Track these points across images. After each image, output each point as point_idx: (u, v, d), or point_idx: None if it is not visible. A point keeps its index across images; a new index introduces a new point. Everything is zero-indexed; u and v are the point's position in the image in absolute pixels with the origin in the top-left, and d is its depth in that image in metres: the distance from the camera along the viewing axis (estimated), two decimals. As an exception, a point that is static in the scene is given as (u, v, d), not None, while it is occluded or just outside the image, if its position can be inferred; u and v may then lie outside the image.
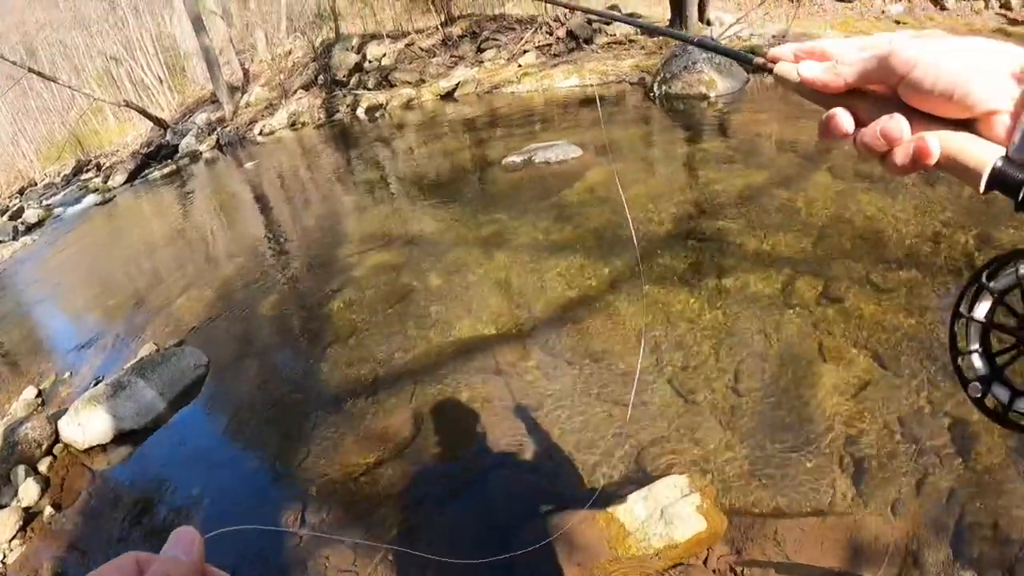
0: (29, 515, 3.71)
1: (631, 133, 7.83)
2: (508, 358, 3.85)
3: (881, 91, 0.52)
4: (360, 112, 13.74)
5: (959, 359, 0.57)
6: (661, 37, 11.55)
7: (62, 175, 20.51)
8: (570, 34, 12.48)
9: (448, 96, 12.88)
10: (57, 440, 4.29)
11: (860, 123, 0.53)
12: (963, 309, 0.57)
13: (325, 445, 3.55)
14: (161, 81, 24.70)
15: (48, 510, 3.71)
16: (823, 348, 3.34)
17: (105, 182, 15.40)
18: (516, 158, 7.26)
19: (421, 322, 4.46)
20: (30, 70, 16.93)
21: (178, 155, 15.45)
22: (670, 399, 3.23)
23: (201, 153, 14.97)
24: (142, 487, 3.72)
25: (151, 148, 16.66)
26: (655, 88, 9.19)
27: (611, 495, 2.70)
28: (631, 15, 12.56)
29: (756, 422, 2.97)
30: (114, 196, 13.87)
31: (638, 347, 3.65)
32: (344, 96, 14.68)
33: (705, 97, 8.58)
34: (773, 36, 10.51)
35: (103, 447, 4.16)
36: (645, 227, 5.01)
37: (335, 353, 4.41)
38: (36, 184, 21.65)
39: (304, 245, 6.91)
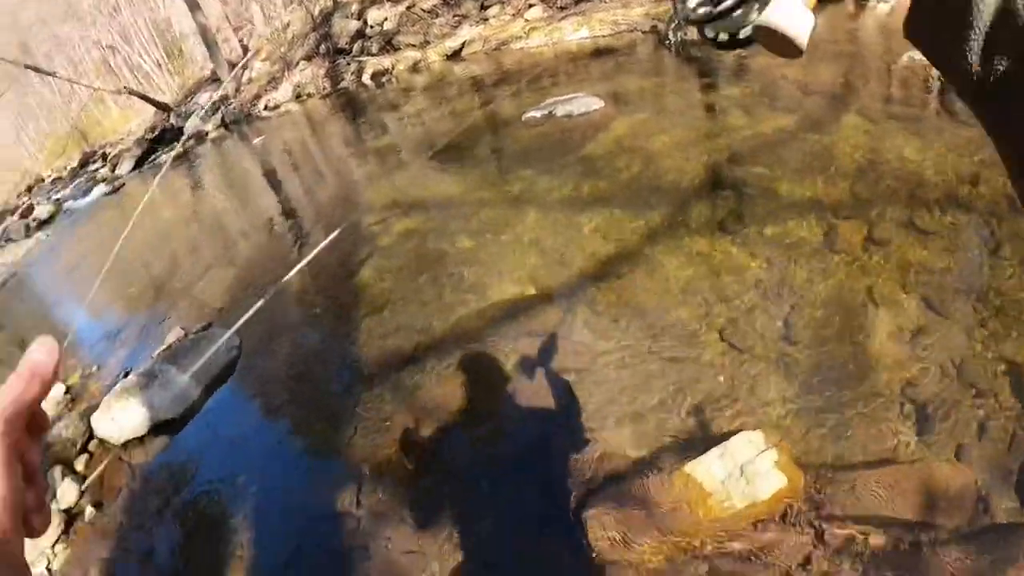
0: (70, 517, 3.63)
1: (650, 83, 7.56)
2: (552, 318, 3.71)
3: None
4: (366, 78, 13.37)
5: None
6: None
7: (69, 169, 20.46)
8: (576, -17, 12.05)
9: (455, 56, 12.50)
10: (91, 437, 4.19)
11: None
12: None
13: (371, 422, 3.43)
14: (160, 65, 24.49)
15: (89, 510, 3.62)
16: (873, 293, 3.19)
17: (112, 171, 15.31)
18: (536, 113, 7.04)
19: (456, 286, 4.31)
20: (27, 67, 16.72)
21: (184, 137, 15.17)
22: (723, 352, 3.10)
23: (207, 133, 14.72)
24: (183, 479, 3.63)
25: (156, 133, 16.52)
26: (670, 35, 8.87)
27: (682, 456, 2.59)
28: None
29: (813, 373, 2.85)
30: (123, 184, 13.77)
31: (684, 301, 3.50)
32: (348, 64, 14.23)
33: (722, 42, 8.25)
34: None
35: (140, 439, 4.05)
36: (677, 177, 4.81)
37: (370, 325, 4.26)
38: (44, 180, 21.67)
39: (323, 217, 6.76)
